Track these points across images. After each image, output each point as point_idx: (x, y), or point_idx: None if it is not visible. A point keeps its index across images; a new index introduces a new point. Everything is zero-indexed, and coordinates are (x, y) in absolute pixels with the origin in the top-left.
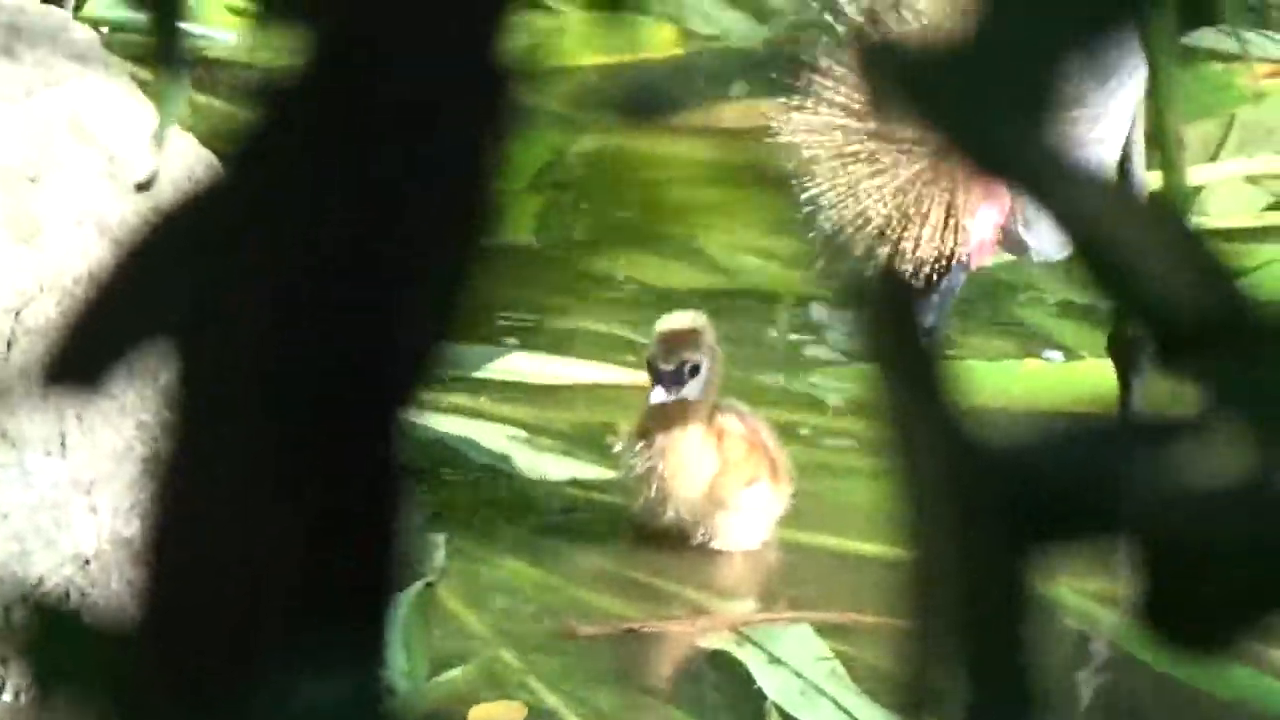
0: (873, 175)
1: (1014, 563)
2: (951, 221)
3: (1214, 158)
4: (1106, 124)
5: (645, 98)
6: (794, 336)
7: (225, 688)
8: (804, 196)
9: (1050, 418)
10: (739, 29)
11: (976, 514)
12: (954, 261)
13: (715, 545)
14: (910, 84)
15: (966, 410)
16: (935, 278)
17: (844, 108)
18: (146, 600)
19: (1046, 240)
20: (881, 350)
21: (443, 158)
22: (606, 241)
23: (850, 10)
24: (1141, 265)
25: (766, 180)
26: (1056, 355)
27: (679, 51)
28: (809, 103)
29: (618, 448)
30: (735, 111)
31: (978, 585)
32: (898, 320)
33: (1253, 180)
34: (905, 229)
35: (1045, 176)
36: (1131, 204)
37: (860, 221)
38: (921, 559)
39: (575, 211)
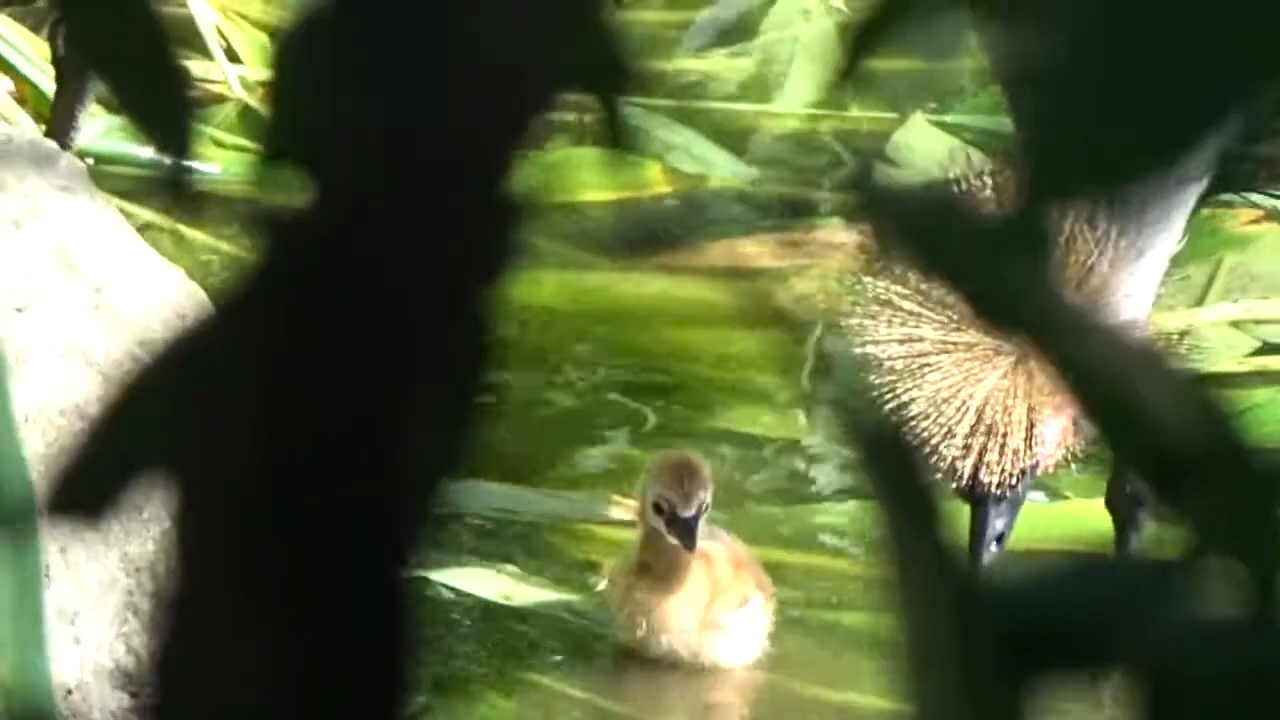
0: (955, 386)
1: (1013, 697)
2: (1034, 431)
3: (1200, 302)
4: (1139, 277)
5: (642, 235)
6: (783, 477)
7: None
8: (874, 393)
9: (1039, 557)
10: (726, 168)
11: (974, 647)
12: (1034, 468)
13: (709, 666)
14: (911, 229)
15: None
16: (1014, 485)
17: (917, 314)
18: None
19: None
20: (883, 491)
21: (443, 296)
22: (594, 381)
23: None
24: (1139, 407)
25: (764, 320)
26: (1039, 497)
27: (666, 190)
28: (883, 311)
29: (601, 585)
30: (727, 251)
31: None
32: (900, 463)
33: (1238, 325)
34: (989, 441)
35: (1046, 322)
36: (1130, 348)
37: (945, 434)
38: (918, 696)
39: (555, 349)
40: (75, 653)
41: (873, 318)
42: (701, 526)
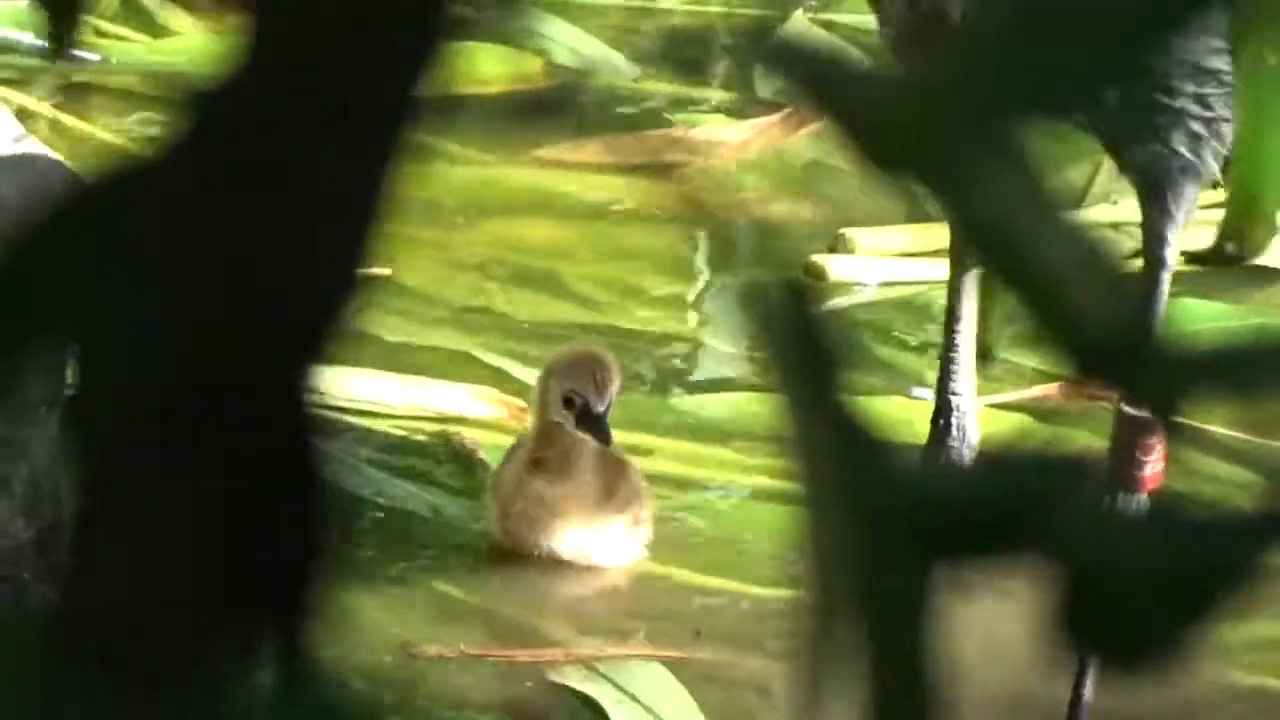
0: None
1: (921, 585)
2: None
3: (1079, 205)
4: None
5: (529, 123)
6: (663, 366)
7: (154, 680)
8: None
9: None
10: (608, 64)
11: (883, 535)
12: None
13: (593, 565)
14: (812, 78)
15: (867, 430)
16: None
17: None
18: (69, 595)
19: None
20: (785, 369)
21: (335, 185)
22: (467, 272)
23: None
24: (1058, 279)
25: (647, 217)
26: (925, 394)
27: (547, 83)
28: None
29: (490, 468)
30: (610, 147)
31: (883, 602)
32: (799, 328)
33: (1116, 227)
34: None
35: (953, 176)
36: (1047, 216)
37: None
38: (820, 579)
39: (439, 242)
40: None
41: None
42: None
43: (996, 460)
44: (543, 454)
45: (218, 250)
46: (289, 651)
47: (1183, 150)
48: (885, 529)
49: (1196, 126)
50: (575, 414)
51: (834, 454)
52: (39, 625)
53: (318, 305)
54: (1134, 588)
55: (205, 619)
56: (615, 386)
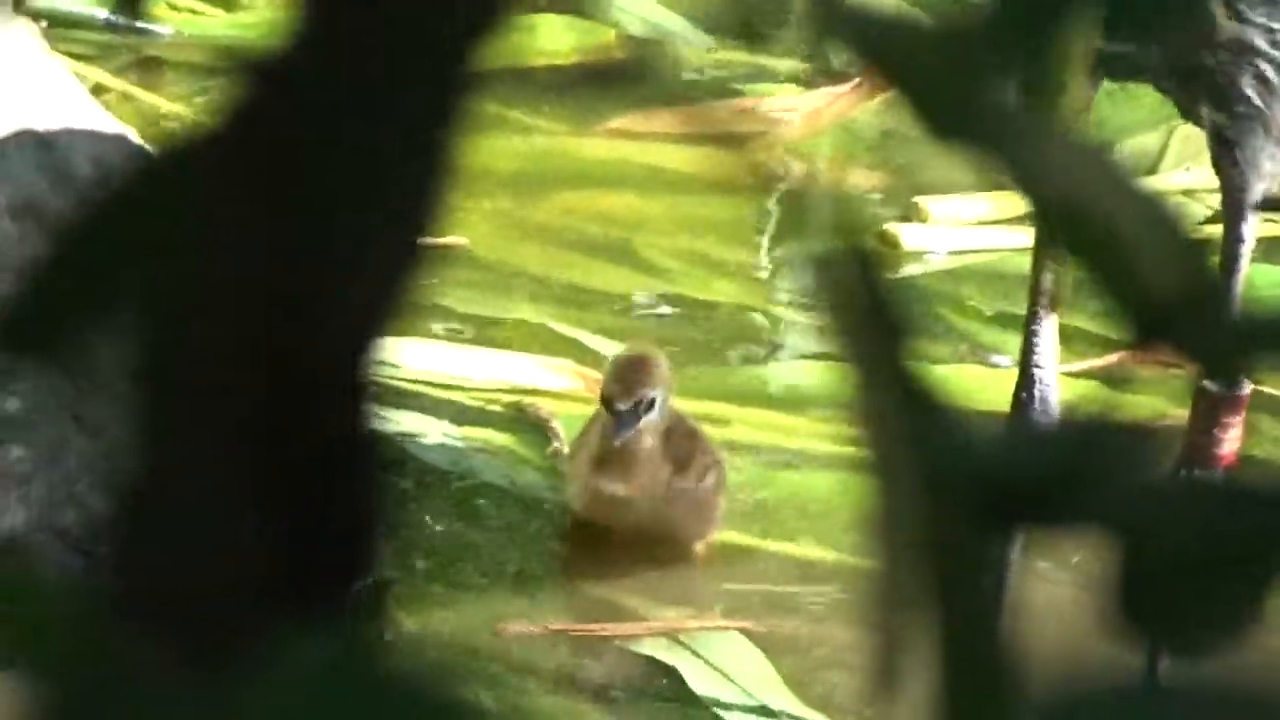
0: None
1: (981, 554)
2: None
3: (1154, 171)
4: None
5: (598, 96)
6: (737, 336)
7: (202, 659)
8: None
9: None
10: (682, 34)
11: (944, 503)
12: None
13: (666, 544)
14: (874, 45)
15: (937, 398)
16: None
17: None
18: (117, 575)
19: None
20: (851, 328)
21: (394, 154)
22: (541, 243)
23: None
24: (1127, 245)
25: (720, 187)
26: (1004, 361)
27: (620, 54)
28: None
29: (565, 450)
30: (684, 117)
31: (950, 570)
32: (869, 297)
33: (1190, 194)
34: None
35: (1012, 140)
36: (1116, 181)
37: None
38: (885, 551)
39: (514, 214)
40: (25, 511)
41: None
42: (653, 417)
43: (1063, 429)
44: (605, 455)
45: (279, 223)
46: (347, 626)
47: (1251, 94)
48: (951, 496)
49: (1267, 69)
50: (608, 410)
51: (902, 422)
52: (105, 599)
53: (381, 277)
54: (1193, 561)
55: (262, 594)
56: (649, 390)
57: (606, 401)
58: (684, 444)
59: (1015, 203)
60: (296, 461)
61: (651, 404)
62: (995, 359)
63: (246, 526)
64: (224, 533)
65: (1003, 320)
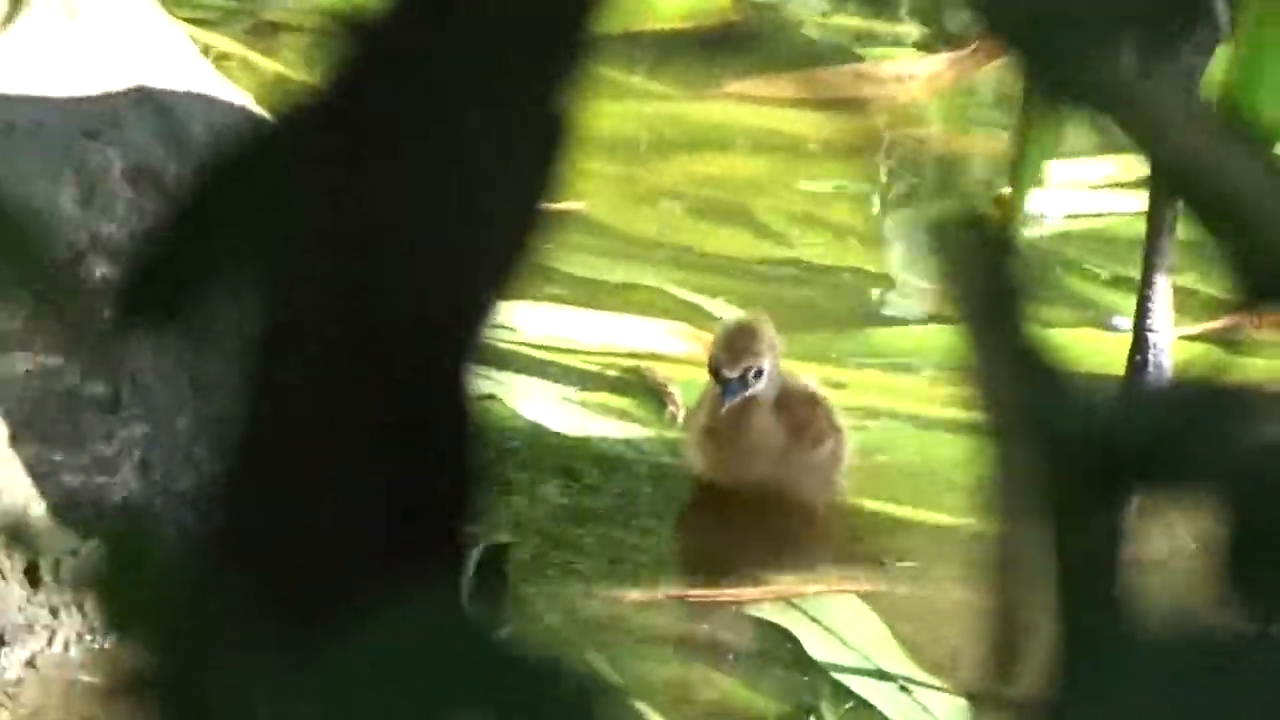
0: None
1: (1098, 517)
2: None
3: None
4: None
5: (715, 60)
6: (853, 299)
7: (307, 625)
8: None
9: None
10: None
11: (1063, 460)
12: None
13: (789, 505)
14: (985, 4)
15: (1052, 362)
16: None
17: None
18: (224, 541)
19: None
20: (966, 292)
21: (511, 117)
22: (658, 207)
23: None
24: (1245, 207)
25: (837, 151)
26: (1123, 324)
27: (736, 18)
28: None
29: (682, 415)
30: (798, 81)
31: (1066, 531)
32: (984, 260)
33: None
34: None
35: (1129, 102)
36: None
37: None
38: (1006, 509)
39: (631, 178)
40: (143, 476)
41: None
42: (762, 385)
43: (1176, 392)
44: (718, 422)
45: (391, 187)
46: (456, 591)
47: None
48: (1067, 459)
49: None
50: (715, 378)
51: (1017, 385)
52: (213, 564)
53: (499, 242)
54: None
55: (369, 557)
56: (756, 359)
57: (714, 370)
58: (802, 411)
59: (1133, 166)
60: (403, 424)
61: (760, 373)
62: (1114, 323)
63: (354, 489)
64: (331, 494)
65: (1120, 284)
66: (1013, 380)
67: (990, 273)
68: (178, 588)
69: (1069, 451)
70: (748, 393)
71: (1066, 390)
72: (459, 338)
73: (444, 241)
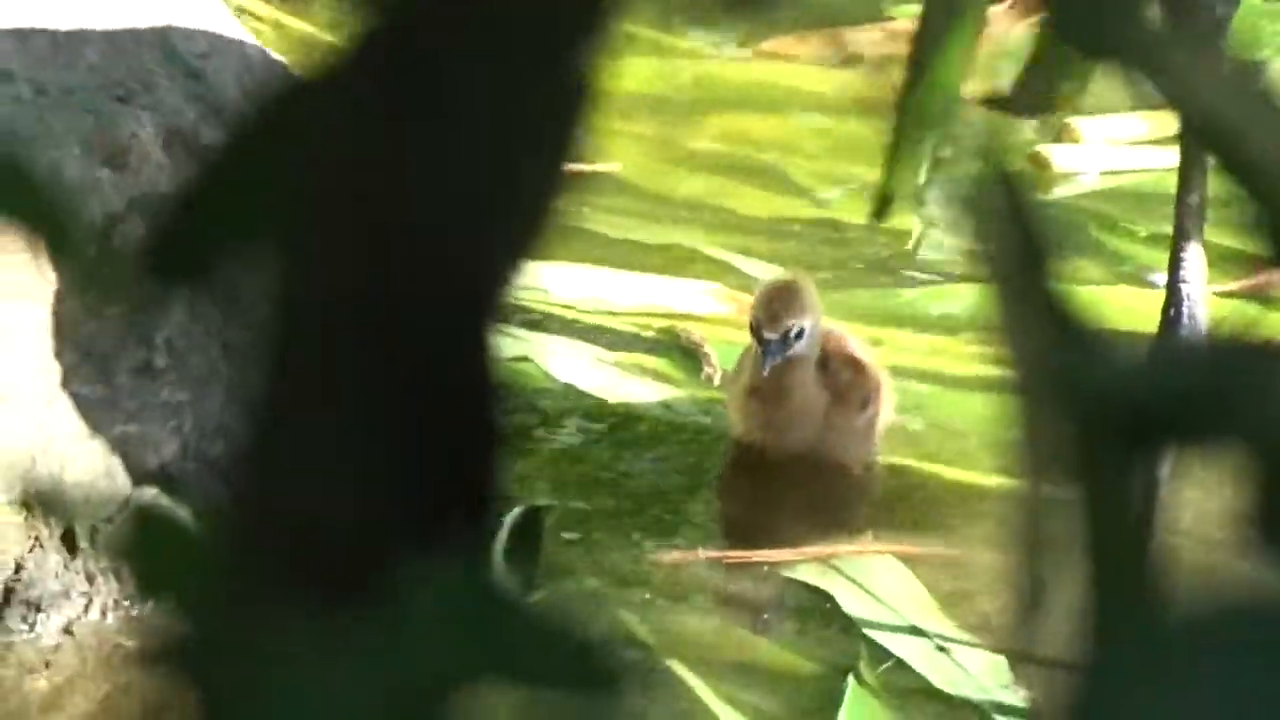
0: None
1: (1127, 474)
2: None
3: None
4: None
5: (749, 19)
6: (889, 259)
7: (334, 591)
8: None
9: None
10: None
11: (1093, 417)
12: None
13: (830, 467)
14: None
15: (1082, 320)
16: None
17: None
18: (251, 508)
19: None
20: (998, 250)
21: (535, 77)
22: (693, 167)
23: None
24: (1266, 154)
25: (868, 109)
26: (1159, 281)
27: None
28: None
29: (717, 376)
30: (831, 39)
31: (1095, 489)
32: (1016, 218)
33: None
34: None
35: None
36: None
37: None
38: (1035, 467)
39: (665, 138)
40: (178, 443)
41: None
42: (802, 346)
43: (1209, 348)
44: (758, 382)
45: (415, 149)
46: (474, 553)
47: None
48: (1098, 417)
49: None
50: (756, 339)
51: (1048, 343)
52: (240, 532)
53: (526, 202)
54: None
55: (395, 523)
56: (796, 319)
57: (755, 331)
58: (843, 371)
59: (1168, 122)
60: (430, 388)
61: (801, 333)
62: (1152, 279)
63: (380, 453)
64: (357, 460)
65: (1156, 240)
66: (1042, 339)
67: (1021, 231)
68: (207, 556)
69: (1099, 410)
70: (789, 353)
71: (1096, 348)
72: (485, 299)
73: (469, 202)
